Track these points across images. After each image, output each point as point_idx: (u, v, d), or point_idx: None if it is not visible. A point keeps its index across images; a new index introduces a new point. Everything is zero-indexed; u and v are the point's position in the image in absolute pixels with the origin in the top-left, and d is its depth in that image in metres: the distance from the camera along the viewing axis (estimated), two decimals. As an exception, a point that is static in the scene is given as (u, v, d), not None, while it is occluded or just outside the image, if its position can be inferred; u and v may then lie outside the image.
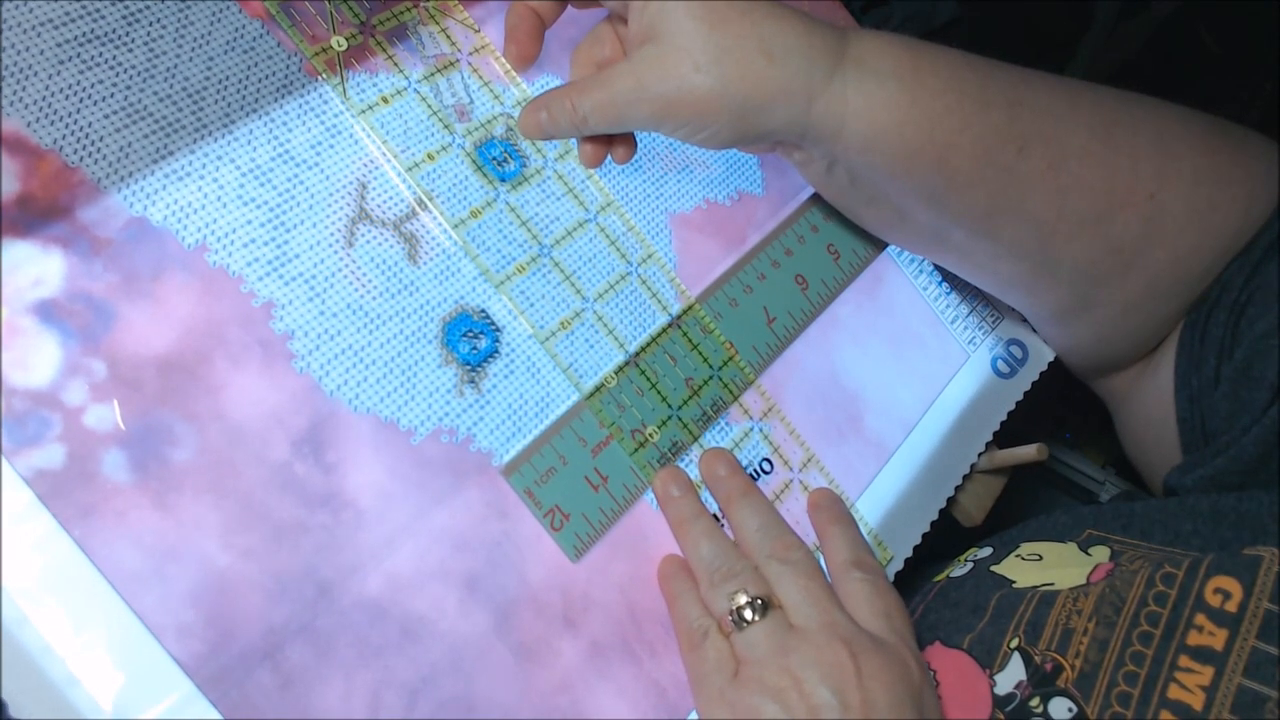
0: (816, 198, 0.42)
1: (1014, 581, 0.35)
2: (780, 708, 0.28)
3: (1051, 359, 0.47)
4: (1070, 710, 0.29)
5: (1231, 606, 0.28)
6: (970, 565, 0.38)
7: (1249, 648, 0.27)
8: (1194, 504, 0.34)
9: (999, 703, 0.31)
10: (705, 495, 0.36)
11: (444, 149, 0.35)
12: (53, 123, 0.28)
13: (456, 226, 0.34)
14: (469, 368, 0.33)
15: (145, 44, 0.30)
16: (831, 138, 0.33)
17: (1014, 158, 0.34)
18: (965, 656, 0.33)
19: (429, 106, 0.35)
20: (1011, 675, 0.31)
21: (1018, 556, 0.37)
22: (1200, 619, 0.29)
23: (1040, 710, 0.30)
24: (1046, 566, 0.35)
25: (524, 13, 0.35)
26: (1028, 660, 0.31)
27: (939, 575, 0.39)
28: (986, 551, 0.39)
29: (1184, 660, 0.28)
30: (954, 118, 0.33)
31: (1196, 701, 0.27)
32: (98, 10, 0.29)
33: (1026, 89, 0.35)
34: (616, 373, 0.36)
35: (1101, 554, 0.34)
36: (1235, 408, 0.35)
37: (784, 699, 0.29)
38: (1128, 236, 0.35)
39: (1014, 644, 0.32)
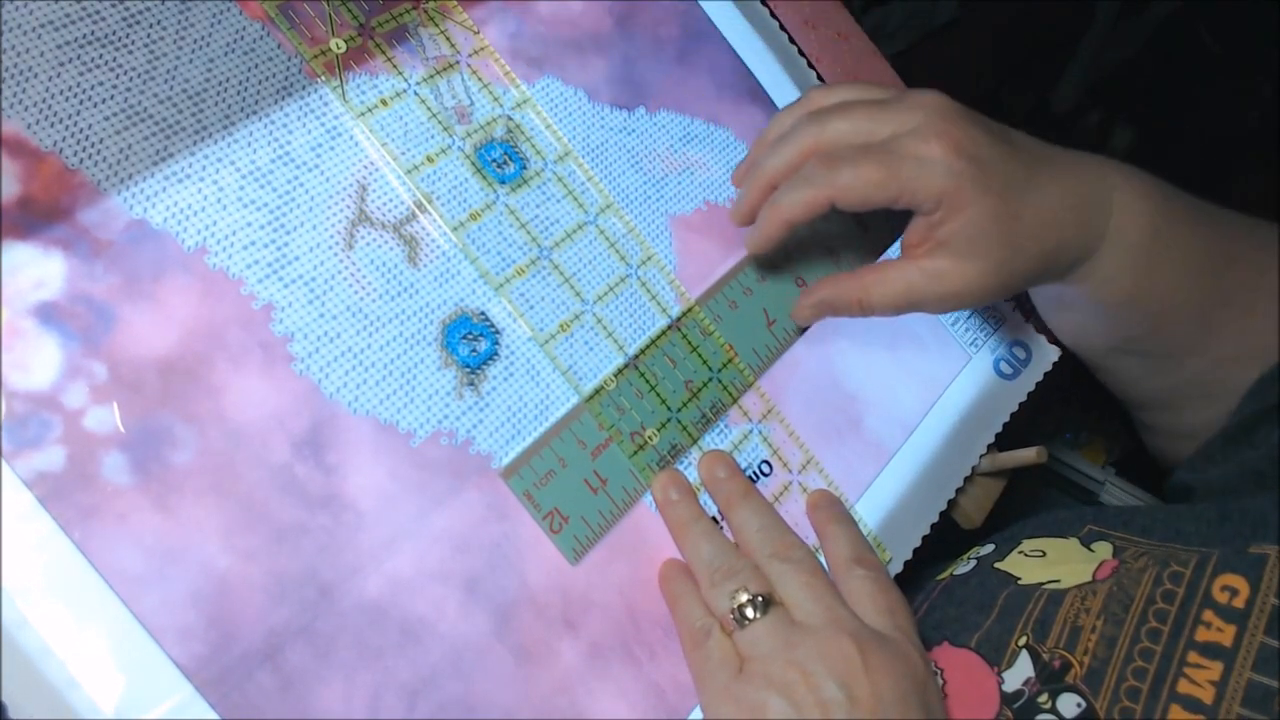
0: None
1: (1019, 578, 0.35)
2: (787, 702, 0.28)
3: (1055, 359, 0.47)
4: (1079, 706, 0.29)
5: (1239, 603, 0.28)
6: (973, 563, 0.38)
7: (1257, 643, 0.27)
8: (1195, 501, 0.34)
9: (1007, 700, 0.31)
10: (704, 498, 0.36)
11: (443, 151, 0.35)
12: (53, 125, 0.28)
13: (456, 229, 0.34)
14: (468, 370, 0.33)
15: (145, 46, 0.30)
16: (1073, 290, 0.38)
17: (1220, 313, 0.37)
18: (973, 655, 0.33)
19: (429, 109, 0.35)
20: (1019, 672, 0.31)
21: (1020, 553, 0.36)
22: (1208, 615, 0.29)
23: (1049, 706, 0.29)
24: (1050, 563, 0.35)
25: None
26: (1036, 657, 0.31)
27: (942, 573, 0.39)
28: (989, 548, 0.38)
29: (1193, 656, 0.28)
30: (1180, 293, 0.37)
31: (1206, 696, 0.27)
32: (98, 12, 0.29)
33: (1242, 243, 0.38)
34: (616, 375, 0.36)
35: (1104, 550, 0.34)
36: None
37: (791, 693, 0.28)
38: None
39: (1022, 642, 0.32)
